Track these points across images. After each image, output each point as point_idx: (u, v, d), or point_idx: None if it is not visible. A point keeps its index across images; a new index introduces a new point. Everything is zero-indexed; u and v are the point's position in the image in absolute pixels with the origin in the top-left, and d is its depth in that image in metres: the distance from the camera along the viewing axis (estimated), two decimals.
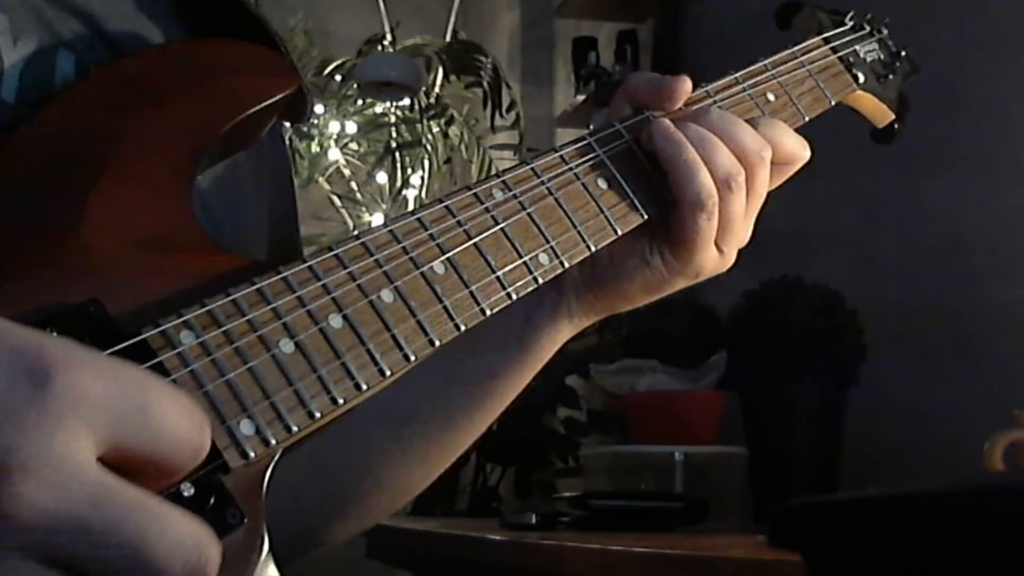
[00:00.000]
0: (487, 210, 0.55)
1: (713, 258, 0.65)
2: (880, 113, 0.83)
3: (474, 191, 0.55)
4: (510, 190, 0.56)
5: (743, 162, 0.63)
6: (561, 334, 0.69)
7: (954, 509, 0.35)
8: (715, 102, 0.68)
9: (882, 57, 0.83)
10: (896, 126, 0.84)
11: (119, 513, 0.34)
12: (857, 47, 0.80)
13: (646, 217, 0.61)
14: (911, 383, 1.88)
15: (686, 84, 0.66)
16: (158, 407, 0.36)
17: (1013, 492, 0.34)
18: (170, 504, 0.35)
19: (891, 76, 0.83)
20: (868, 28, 0.83)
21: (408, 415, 0.69)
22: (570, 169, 0.59)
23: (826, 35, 0.78)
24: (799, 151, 0.68)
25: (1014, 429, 1.22)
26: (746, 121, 0.65)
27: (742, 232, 0.66)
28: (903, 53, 0.85)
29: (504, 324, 0.61)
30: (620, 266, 0.66)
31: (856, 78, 0.78)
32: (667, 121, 0.63)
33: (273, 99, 0.55)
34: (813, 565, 0.39)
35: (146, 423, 0.36)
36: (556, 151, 0.60)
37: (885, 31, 0.85)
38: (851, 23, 0.82)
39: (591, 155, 0.61)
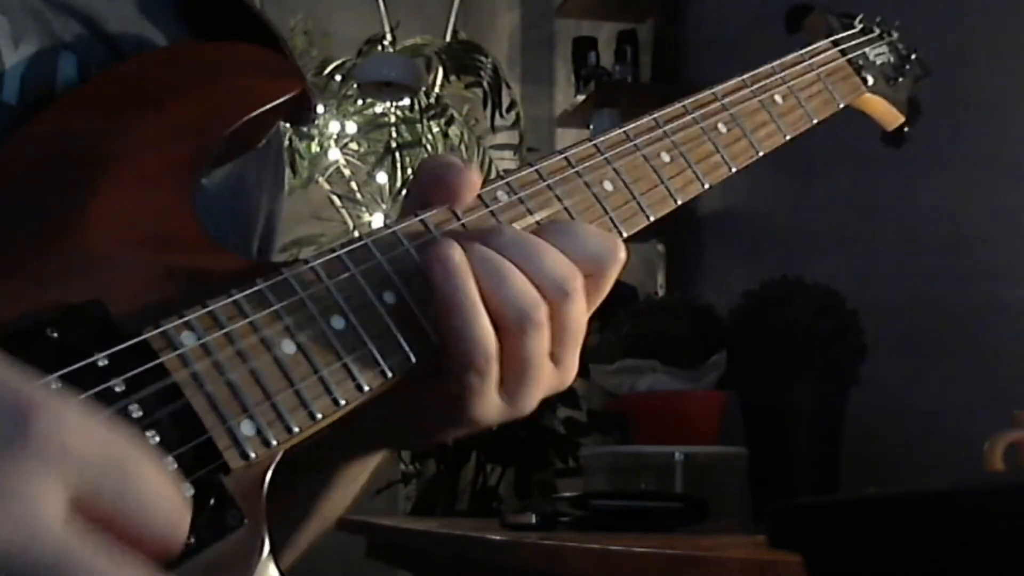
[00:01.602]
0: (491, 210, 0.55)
1: (496, 409, 0.51)
2: (890, 116, 0.83)
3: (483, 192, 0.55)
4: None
5: (544, 295, 0.50)
6: (347, 462, 0.60)
7: (954, 509, 0.35)
8: (517, 209, 0.54)
9: (892, 60, 0.83)
10: (906, 129, 0.84)
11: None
12: (867, 50, 0.80)
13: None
14: (911, 383, 1.89)
15: (470, 177, 0.52)
16: (141, 479, 0.35)
17: (1013, 492, 0.34)
18: (137, 568, 0.34)
19: (901, 79, 0.83)
20: (878, 31, 0.83)
21: None
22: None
23: (835, 38, 0.78)
24: (608, 256, 0.53)
25: (1014, 429, 1.23)
26: (536, 232, 0.52)
27: (545, 377, 0.52)
28: (913, 56, 0.85)
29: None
30: (382, 411, 0.51)
31: (865, 81, 0.78)
32: (450, 246, 0.49)
33: (277, 101, 0.55)
34: (813, 565, 0.39)
35: (124, 492, 0.34)
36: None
37: (895, 34, 0.85)
38: (861, 26, 0.82)
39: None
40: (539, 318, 0.50)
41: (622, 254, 0.53)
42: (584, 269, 0.52)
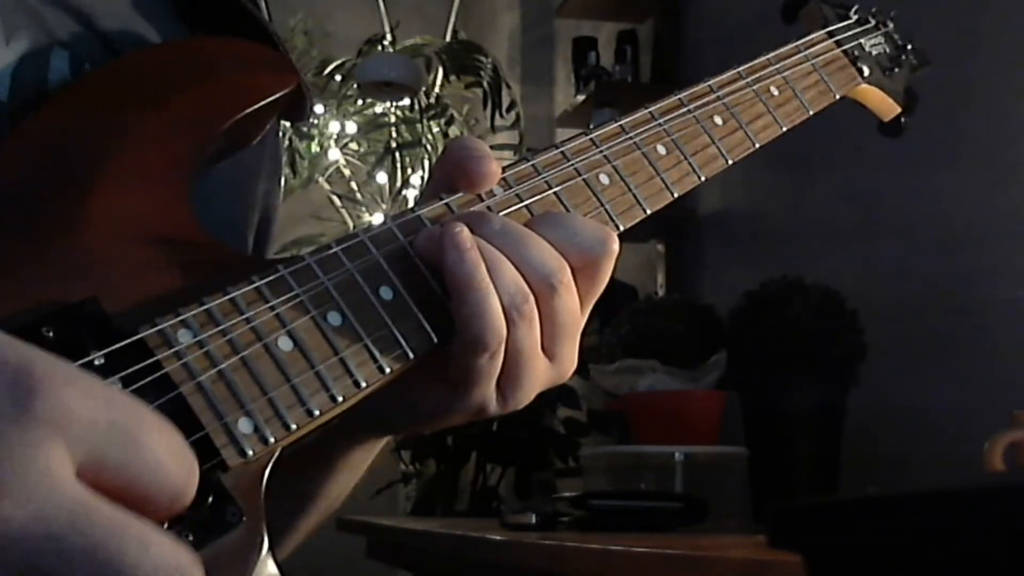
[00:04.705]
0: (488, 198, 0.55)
1: (492, 401, 0.52)
2: (886, 107, 0.83)
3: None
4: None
5: (532, 287, 0.50)
6: (350, 449, 0.61)
7: (954, 509, 0.35)
8: (513, 199, 0.55)
9: (888, 50, 0.83)
10: (903, 119, 0.84)
11: (99, 533, 0.33)
12: (862, 40, 0.80)
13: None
14: (911, 383, 1.88)
15: (491, 167, 0.53)
16: (147, 439, 0.35)
17: (1013, 492, 0.34)
18: (152, 526, 0.35)
19: (897, 69, 0.83)
20: (873, 22, 0.83)
21: None
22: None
23: (831, 29, 0.78)
24: (599, 248, 0.52)
25: (1014, 429, 1.23)
26: (527, 224, 0.52)
27: (539, 371, 0.52)
28: (909, 46, 0.85)
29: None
30: (380, 400, 0.50)
31: (861, 71, 0.78)
32: (461, 231, 0.49)
33: (273, 97, 0.55)
34: (813, 565, 0.39)
35: (131, 452, 0.35)
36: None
37: (891, 24, 0.85)
38: (856, 17, 0.82)
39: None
40: (526, 310, 0.50)
41: (614, 245, 0.53)
42: (576, 261, 0.52)
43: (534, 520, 1.40)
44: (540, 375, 0.52)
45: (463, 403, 0.52)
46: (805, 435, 1.70)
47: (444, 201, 0.53)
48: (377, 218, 3.73)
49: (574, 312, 0.52)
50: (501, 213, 0.54)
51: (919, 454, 1.80)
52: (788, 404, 1.70)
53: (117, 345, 0.41)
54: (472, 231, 0.50)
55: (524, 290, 0.50)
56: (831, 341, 1.68)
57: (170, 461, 0.36)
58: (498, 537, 1.31)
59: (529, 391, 0.52)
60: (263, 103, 0.54)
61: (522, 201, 0.55)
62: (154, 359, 0.42)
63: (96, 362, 0.41)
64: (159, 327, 0.43)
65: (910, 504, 0.37)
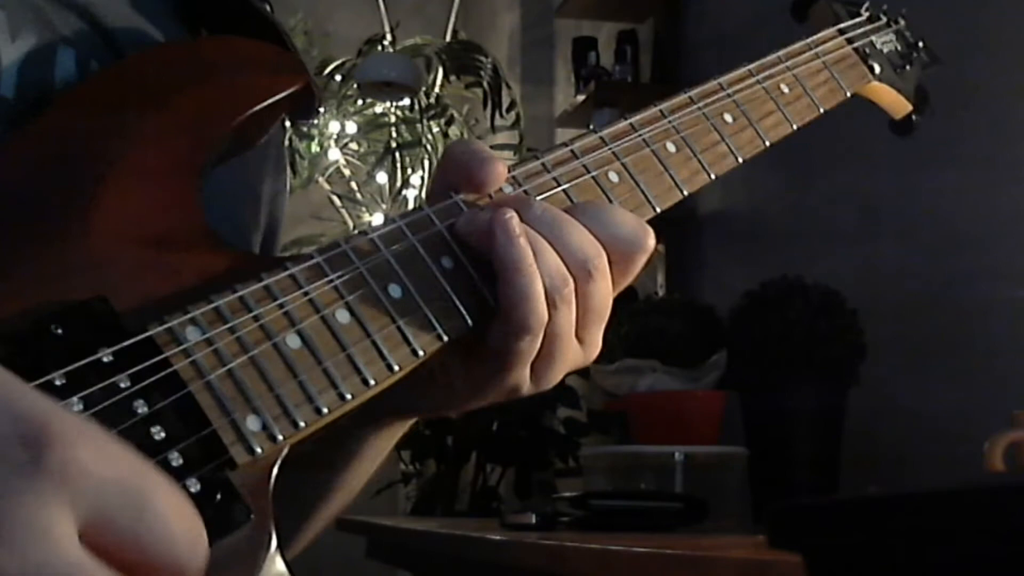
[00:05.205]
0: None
1: (525, 382, 0.53)
2: (898, 104, 0.83)
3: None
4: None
5: (571, 271, 0.51)
6: (376, 433, 0.61)
7: (954, 509, 0.35)
8: (553, 182, 0.56)
9: (899, 48, 0.83)
10: (915, 117, 0.84)
11: None
12: (873, 38, 0.80)
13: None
14: (911, 383, 1.88)
15: (498, 168, 0.53)
16: (159, 505, 0.34)
17: (1013, 492, 0.34)
18: None
19: (908, 67, 0.83)
20: (884, 19, 0.83)
21: None
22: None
23: (841, 26, 0.78)
24: (635, 242, 0.53)
25: (1014, 429, 1.22)
26: (567, 211, 0.53)
27: (570, 354, 0.53)
28: (920, 44, 0.85)
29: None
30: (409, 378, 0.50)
31: (872, 69, 0.78)
32: (512, 216, 0.50)
33: (281, 95, 0.54)
34: (813, 565, 0.39)
35: (140, 517, 0.34)
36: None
37: (902, 22, 0.85)
38: (867, 14, 0.82)
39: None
40: (566, 294, 0.51)
41: (651, 241, 0.54)
42: (613, 251, 0.53)
43: (534, 520, 1.40)
44: (571, 357, 0.53)
45: (499, 385, 0.53)
46: (805, 435, 1.70)
47: (454, 199, 0.53)
48: (377, 218, 3.74)
49: (606, 298, 0.53)
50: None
51: (919, 454, 1.80)
52: (788, 404, 1.71)
53: (126, 343, 0.41)
54: (519, 215, 0.51)
55: (564, 274, 0.51)
56: (831, 341, 1.68)
57: (181, 532, 0.35)
58: (498, 537, 1.31)
59: (559, 372, 0.54)
60: (269, 102, 0.54)
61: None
62: (162, 356, 0.42)
63: (105, 359, 0.41)
64: (167, 325, 0.43)
65: (910, 504, 0.37)
